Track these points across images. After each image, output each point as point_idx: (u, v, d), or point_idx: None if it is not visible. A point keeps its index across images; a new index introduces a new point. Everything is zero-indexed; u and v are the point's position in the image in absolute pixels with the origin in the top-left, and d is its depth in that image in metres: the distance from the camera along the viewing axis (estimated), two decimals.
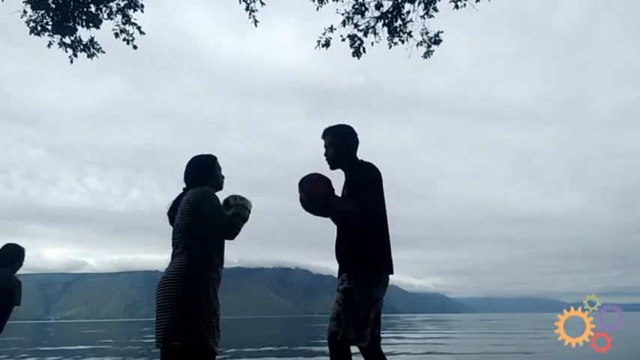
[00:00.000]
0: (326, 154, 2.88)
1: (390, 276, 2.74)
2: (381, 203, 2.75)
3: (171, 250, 2.73)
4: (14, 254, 4.08)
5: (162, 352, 2.53)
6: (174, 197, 2.86)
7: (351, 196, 2.72)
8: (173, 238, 2.70)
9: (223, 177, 2.93)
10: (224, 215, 2.67)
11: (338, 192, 2.86)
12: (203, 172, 2.82)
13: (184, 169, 2.87)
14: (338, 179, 2.93)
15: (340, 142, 2.85)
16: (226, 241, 2.82)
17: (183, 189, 2.84)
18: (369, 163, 2.78)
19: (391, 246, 2.78)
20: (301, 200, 2.84)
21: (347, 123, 2.94)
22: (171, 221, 2.78)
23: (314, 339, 16.58)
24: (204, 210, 2.63)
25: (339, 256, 2.76)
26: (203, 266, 2.60)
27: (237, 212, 2.70)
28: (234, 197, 2.79)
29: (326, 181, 2.81)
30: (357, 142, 2.90)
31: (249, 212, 2.76)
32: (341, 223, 2.81)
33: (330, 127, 2.89)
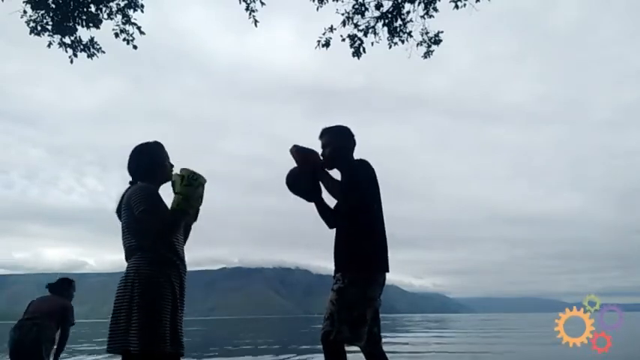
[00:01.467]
0: (323, 154, 2.88)
1: (390, 276, 2.74)
2: (376, 201, 2.74)
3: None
4: (66, 283, 4.81)
5: (122, 358, 2.39)
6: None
7: (344, 195, 2.72)
8: (122, 239, 2.55)
9: (172, 165, 2.72)
10: (160, 216, 2.47)
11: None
12: (146, 164, 2.62)
13: (128, 160, 2.65)
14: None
15: (337, 143, 2.85)
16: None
17: (130, 182, 2.65)
18: (363, 161, 2.78)
19: (388, 244, 2.76)
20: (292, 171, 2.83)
21: (345, 124, 2.94)
22: (119, 217, 2.61)
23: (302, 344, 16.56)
24: (139, 211, 2.45)
25: (335, 255, 2.76)
26: (157, 266, 2.43)
27: (177, 207, 2.47)
28: (182, 178, 2.51)
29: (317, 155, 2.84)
30: (354, 143, 2.90)
31: (195, 199, 2.54)
32: (330, 214, 2.83)
33: (328, 128, 2.89)
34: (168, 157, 2.72)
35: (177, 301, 2.48)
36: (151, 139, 2.73)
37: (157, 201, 2.54)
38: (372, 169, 2.74)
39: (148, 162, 2.63)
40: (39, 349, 4.27)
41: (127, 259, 2.52)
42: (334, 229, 2.85)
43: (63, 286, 4.76)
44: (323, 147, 2.88)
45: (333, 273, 2.75)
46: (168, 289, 2.44)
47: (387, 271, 2.72)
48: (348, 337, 2.52)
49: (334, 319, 2.54)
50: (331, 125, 2.91)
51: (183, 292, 2.55)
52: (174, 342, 2.42)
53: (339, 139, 2.86)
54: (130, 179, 2.66)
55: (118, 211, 2.61)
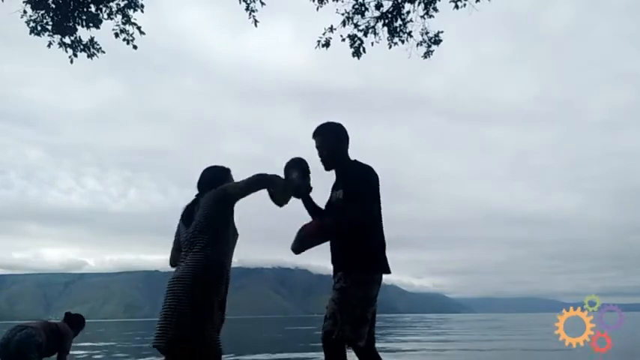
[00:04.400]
0: (320, 156, 2.88)
1: (390, 276, 2.73)
2: (378, 205, 2.74)
3: (177, 250, 2.81)
4: (80, 319, 5.28)
5: (168, 353, 2.52)
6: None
7: (350, 199, 2.68)
8: (187, 238, 2.73)
9: None
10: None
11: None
12: (221, 180, 2.90)
13: (200, 177, 2.95)
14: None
15: (332, 143, 2.85)
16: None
17: (197, 195, 2.89)
18: (368, 166, 2.77)
19: (386, 245, 2.76)
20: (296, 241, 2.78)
21: (336, 121, 2.92)
22: (186, 223, 2.81)
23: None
24: (229, 190, 2.73)
25: (335, 255, 2.75)
26: (218, 268, 2.64)
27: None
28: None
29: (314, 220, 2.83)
30: (347, 139, 2.89)
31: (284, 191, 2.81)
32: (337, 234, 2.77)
33: (320, 127, 2.89)
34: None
35: (225, 303, 2.73)
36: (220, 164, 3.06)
37: None
38: (376, 174, 2.74)
39: (222, 178, 2.92)
40: (23, 351, 4.33)
41: (186, 255, 2.67)
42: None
43: (77, 319, 5.22)
44: (317, 148, 2.89)
45: (331, 272, 2.75)
46: (222, 290, 2.66)
47: (388, 272, 2.71)
48: (351, 337, 2.52)
49: (337, 318, 2.53)
50: (323, 124, 2.90)
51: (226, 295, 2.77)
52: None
53: (333, 139, 2.86)
54: (197, 192, 2.91)
55: (187, 214, 2.83)
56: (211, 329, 2.54)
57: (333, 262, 2.76)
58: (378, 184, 2.74)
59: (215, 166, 3.02)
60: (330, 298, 2.63)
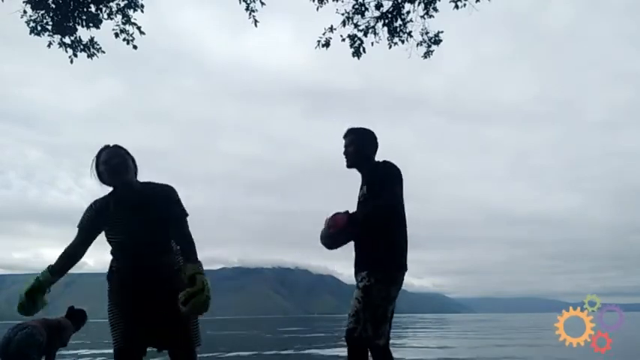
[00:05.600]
0: (345, 153, 2.97)
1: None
2: (401, 202, 2.81)
3: None
4: (82, 315, 5.14)
5: None
6: None
7: (373, 194, 2.77)
8: (149, 232, 2.58)
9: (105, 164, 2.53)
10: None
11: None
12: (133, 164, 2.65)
13: (130, 161, 2.59)
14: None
15: (360, 143, 2.93)
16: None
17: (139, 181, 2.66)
18: (391, 162, 2.84)
19: (408, 245, 2.82)
20: (326, 237, 2.79)
21: (370, 128, 3.00)
22: None
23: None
24: (186, 214, 2.61)
25: (359, 253, 2.81)
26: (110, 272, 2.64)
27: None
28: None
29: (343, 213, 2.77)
30: (376, 146, 2.98)
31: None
32: (365, 226, 2.80)
33: (353, 128, 2.99)
34: (98, 161, 2.60)
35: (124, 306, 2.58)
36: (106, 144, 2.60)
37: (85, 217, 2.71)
38: (399, 169, 2.81)
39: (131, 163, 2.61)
40: (24, 351, 4.32)
41: (154, 253, 2.52)
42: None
43: (78, 314, 5.11)
44: (346, 146, 2.97)
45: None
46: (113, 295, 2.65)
47: (406, 269, 2.78)
48: (371, 336, 2.59)
49: (359, 316, 2.61)
50: (357, 127, 3.00)
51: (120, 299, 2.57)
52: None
53: (362, 140, 2.95)
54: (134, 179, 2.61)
55: (143, 205, 2.51)
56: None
57: (357, 261, 2.81)
58: (400, 177, 2.79)
59: (117, 152, 2.55)
60: (353, 297, 2.68)
